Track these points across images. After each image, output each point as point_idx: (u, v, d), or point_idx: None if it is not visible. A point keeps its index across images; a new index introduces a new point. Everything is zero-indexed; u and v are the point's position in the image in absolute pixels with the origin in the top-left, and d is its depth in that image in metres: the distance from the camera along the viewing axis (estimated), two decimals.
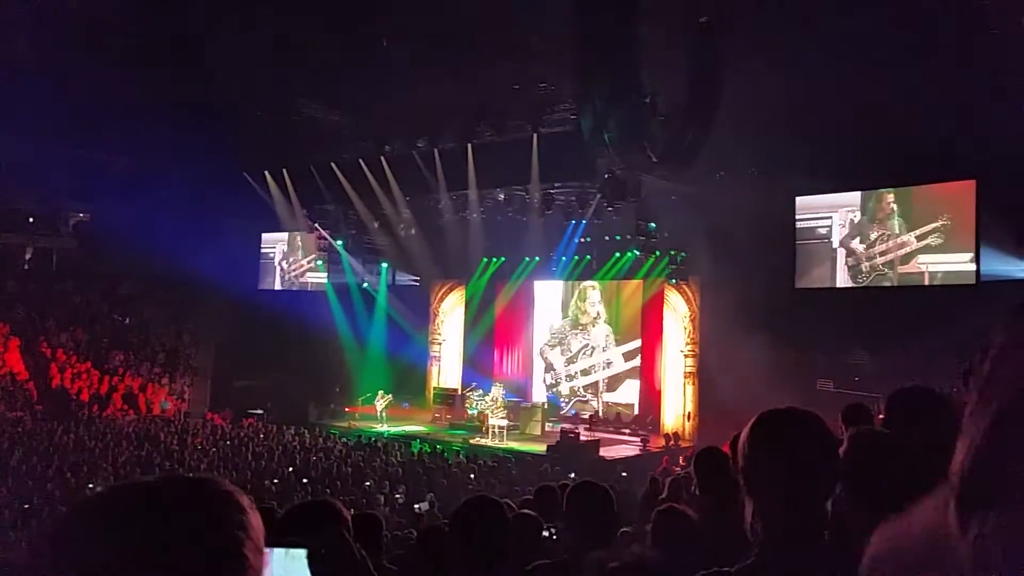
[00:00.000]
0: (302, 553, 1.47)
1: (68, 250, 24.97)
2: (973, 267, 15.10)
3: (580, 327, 21.82)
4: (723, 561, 1.74)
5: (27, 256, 24.85)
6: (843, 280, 17.00)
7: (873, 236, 16.74)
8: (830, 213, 17.34)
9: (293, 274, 25.70)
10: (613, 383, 21.07)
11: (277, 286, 25.82)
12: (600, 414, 20.49)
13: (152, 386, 21.72)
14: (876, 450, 1.94)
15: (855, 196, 17.02)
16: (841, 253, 17.09)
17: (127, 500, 0.83)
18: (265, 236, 26.02)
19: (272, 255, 26.21)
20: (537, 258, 21.69)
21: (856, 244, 16.94)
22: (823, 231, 17.33)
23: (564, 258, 21.27)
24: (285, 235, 25.58)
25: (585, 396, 21.44)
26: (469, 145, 18.93)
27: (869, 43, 12.94)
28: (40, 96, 17.40)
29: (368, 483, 12.80)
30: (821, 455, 1.60)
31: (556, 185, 19.43)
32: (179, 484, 0.86)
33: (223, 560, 0.82)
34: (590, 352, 21.58)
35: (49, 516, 10.62)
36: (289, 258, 25.91)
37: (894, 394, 2.39)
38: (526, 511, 3.84)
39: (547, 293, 22.52)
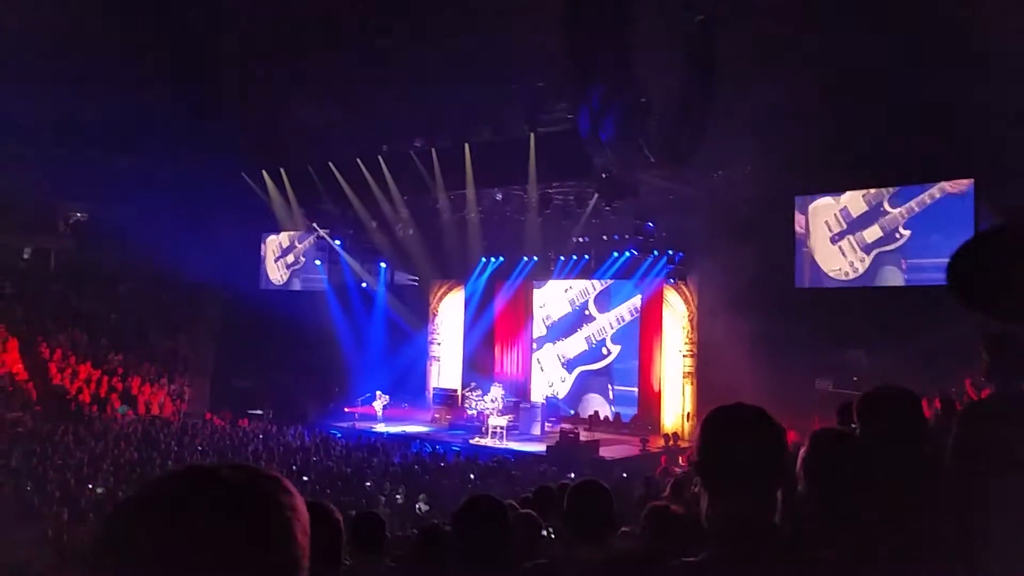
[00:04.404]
0: None
1: (66, 250, 24.95)
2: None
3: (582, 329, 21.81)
4: None
5: (24, 256, 24.83)
6: (842, 279, 17.05)
7: (872, 235, 16.79)
8: (829, 211, 17.37)
9: (292, 274, 25.72)
10: (613, 383, 21.07)
11: (276, 286, 25.84)
12: (599, 414, 20.51)
13: (151, 386, 21.71)
14: (835, 448, 2.00)
15: (854, 195, 17.05)
16: (840, 252, 17.12)
17: (187, 483, 0.89)
18: (264, 236, 26.06)
19: (272, 255, 26.25)
20: (536, 258, 21.69)
21: (855, 243, 16.98)
22: (822, 230, 17.36)
23: (562, 257, 21.29)
24: (284, 235, 25.61)
25: (585, 396, 21.40)
26: (467, 144, 18.94)
27: (866, 42, 12.98)
28: (38, 96, 17.40)
29: (368, 483, 12.83)
30: (767, 448, 1.67)
31: (554, 184, 19.45)
32: (234, 469, 0.92)
33: (277, 539, 0.89)
34: (591, 352, 21.55)
35: (55, 516, 10.63)
36: (288, 258, 25.93)
37: (866, 393, 2.46)
38: (526, 511, 3.86)
39: (546, 293, 22.45)
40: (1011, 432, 2.10)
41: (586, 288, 21.64)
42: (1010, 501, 1.94)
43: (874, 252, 16.80)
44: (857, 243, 17.01)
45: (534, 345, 22.59)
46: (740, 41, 14.04)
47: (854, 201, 17.14)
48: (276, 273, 26.09)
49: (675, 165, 15.98)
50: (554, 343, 22.24)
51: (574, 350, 21.88)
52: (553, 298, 22.35)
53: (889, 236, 16.60)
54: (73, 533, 9.75)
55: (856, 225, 17.06)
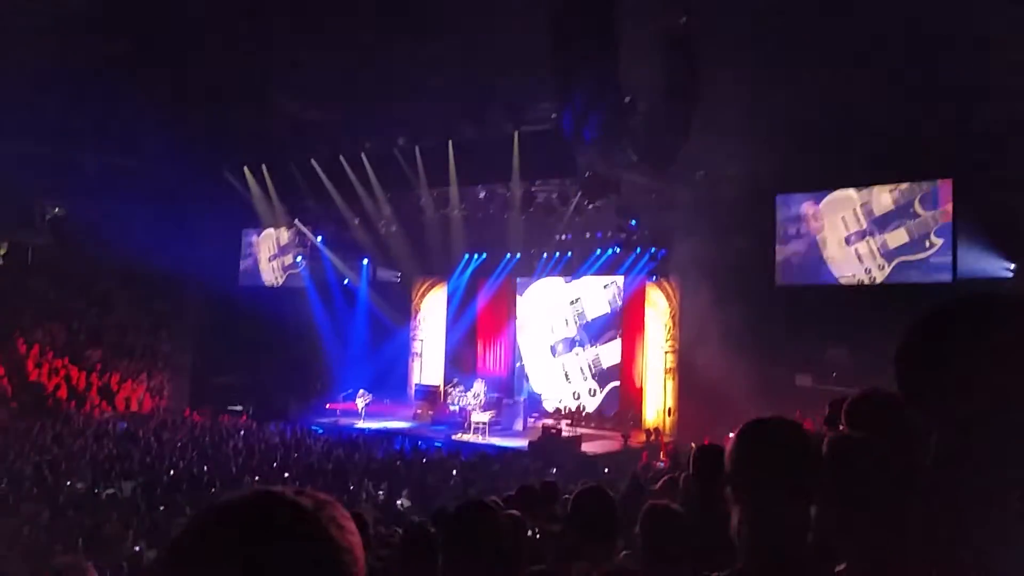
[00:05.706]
0: None
1: (44, 245, 24.64)
2: (950, 265, 15.16)
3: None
4: (709, 563, 1.78)
5: (1, 251, 24.50)
6: (822, 277, 17.14)
7: (851, 234, 16.88)
8: (810, 210, 17.41)
9: (273, 270, 25.56)
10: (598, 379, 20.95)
11: (257, 282, 25.66)
12: (582, 409, 20.55)
13: (130, 383, 21.52)
14: (854, 454, 1.99)
15: (835, 194, 17.14)
16: (855, 255, 16.89)
17: (261, 508, 0.92)
18: (245, 232, 25.87)
19: (252, 251, 26.05)
20: (519, 254, 21.70)
21: (835, 242, 17.07)
22: (802, 228, 17.42)
23: (545, 254, 21.30)
24: (265, 231, 25.43)
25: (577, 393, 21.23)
26: (450, 142, 18.93)
27: (848, 41, 13.06)
28: (16, 91, 17.17)
29: (349, 480, 12.79)
30: (804, 463, 1.67)
31: (537, 182, 19.49)
32: (300, 495, 0.95)
33: (347, 563, 0.92)
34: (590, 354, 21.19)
35: (32, 514, 10.49)
36: (269, 254, 25.75)
37: (853, 399, 2.46)
38: (512, 512, 3.87)
39: (580, 287, 21.07)
40: (992, 436, 2.11)
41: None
42: (997, 505, 1.96)
43: (896, 260, 15.37)
44: (878, 248, 15.56)
45: (560, 347, 21.25)
46: (724, 40, 14.09)
47: (879, 196, 15.58)
48: (270, 275, 25.63)
49: (658, 164, 16.03)
50: (584, 348, 20.86)
51: (610, 359, 20.54)
52: (589, 292, 20.77)
53: (917, 243, 15.05)
54: (50, 531, 9.65)
55: (878, 225, 15.70)
